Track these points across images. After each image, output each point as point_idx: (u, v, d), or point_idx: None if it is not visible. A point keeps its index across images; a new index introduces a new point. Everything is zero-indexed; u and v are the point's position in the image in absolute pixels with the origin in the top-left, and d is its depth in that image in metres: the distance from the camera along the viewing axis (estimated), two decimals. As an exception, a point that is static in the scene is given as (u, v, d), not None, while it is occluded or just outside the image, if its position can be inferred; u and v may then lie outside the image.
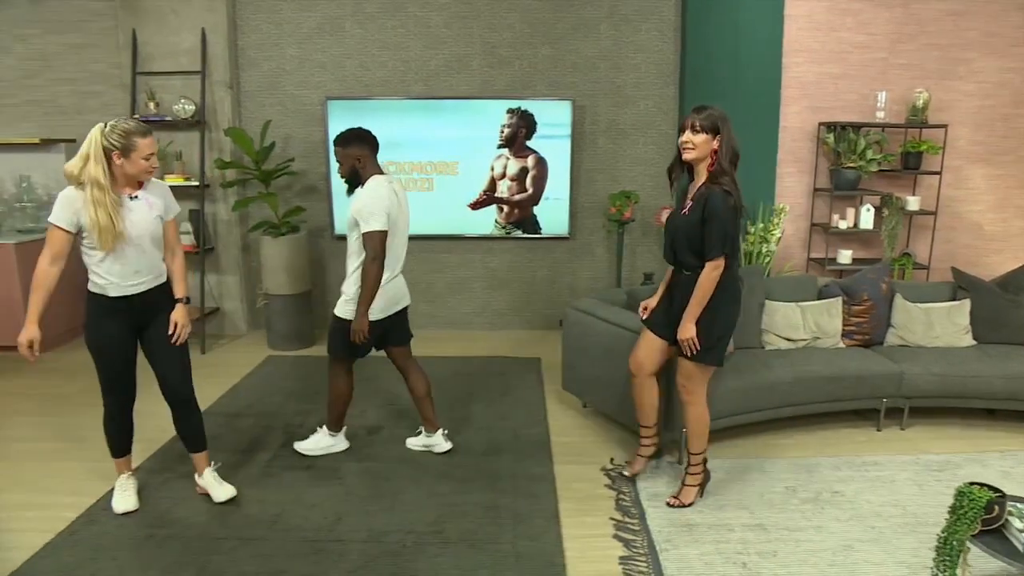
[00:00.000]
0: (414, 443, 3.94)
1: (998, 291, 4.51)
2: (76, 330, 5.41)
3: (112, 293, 2.99)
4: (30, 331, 2.90)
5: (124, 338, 3.08)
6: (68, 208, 2.88)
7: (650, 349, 3.40)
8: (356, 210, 3.40)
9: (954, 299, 4.56)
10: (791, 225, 6.09)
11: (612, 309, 4.11)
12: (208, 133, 5.76)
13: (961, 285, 4.62)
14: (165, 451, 3.85)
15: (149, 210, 3.04)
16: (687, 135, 3.05)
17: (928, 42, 5.87)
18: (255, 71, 5.87)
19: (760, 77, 5.73)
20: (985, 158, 6.08)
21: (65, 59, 5.79)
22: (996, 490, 2.47)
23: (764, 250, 5.60)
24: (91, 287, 3.01)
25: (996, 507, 2.42)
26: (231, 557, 2.92)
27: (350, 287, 3.51)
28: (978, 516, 2.41)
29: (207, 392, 4.63)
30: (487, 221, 6.08)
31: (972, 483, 2.51)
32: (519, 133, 5.89)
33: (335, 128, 5.23)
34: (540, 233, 6.11)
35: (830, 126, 5.84)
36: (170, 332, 3.14)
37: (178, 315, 3.17)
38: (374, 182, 3.46)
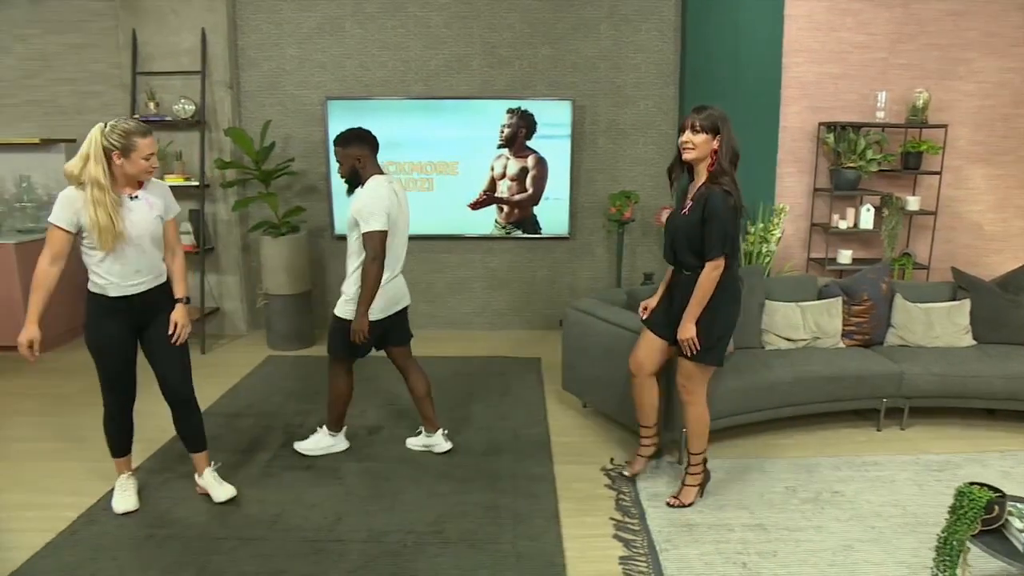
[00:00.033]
0: (414, 443, 3.94)
1: (998, 291, 4.51)
2: (76, 330, 5.41)
3: (112, 293, 2.99)
4: (30, 331, 2.90)
5: (124, 338, 3.08)
6: (68, 208, 2.88)
7: (650, 349, 3.41)
8: (356, 210, 3.40)
9: (954, 299, 4.56)
10: (791, 225, 6.10)
11: (612, 309, 4.11)
12: (208, 133, 5.76)
13: (961, 285, 4.62)
14: (165, 451, 3.85)
15: (149, 210, 3.04)
16: (687, 135, 3.05)
17: (928, 42, 5.88)
18: (255, 71, 5.88)
19: (760, 77, 5.73)
20: (985, 158, 6.08)
21: (65, 59, 5.79)
22: (996, 490, 2.47)
23: (764, 250, 5.60)
24: (91, 287, 3.01)
25: (996, 507, 2.42)
26: (231, 557, 2.93)
27: (350, 287, 3.51)
28: (978, 516, 2.41)
29: (207, 392, 4.63)
30: (487, 221, 6.08)
31: (972, 483, 2.51)
32: (519, 133, 5.89)
33: (335, 128, 5.23)
34: (540, 233, 6.11)
35: (830, 126, 5.84)
36: (170, 332, 3.14)
37: (178, 315, 3.17)
38: (374, 182, 3.46)
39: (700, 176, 3.12)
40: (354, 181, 3.54)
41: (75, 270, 3.05)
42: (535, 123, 5.88)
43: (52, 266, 2.92)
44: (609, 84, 5.96)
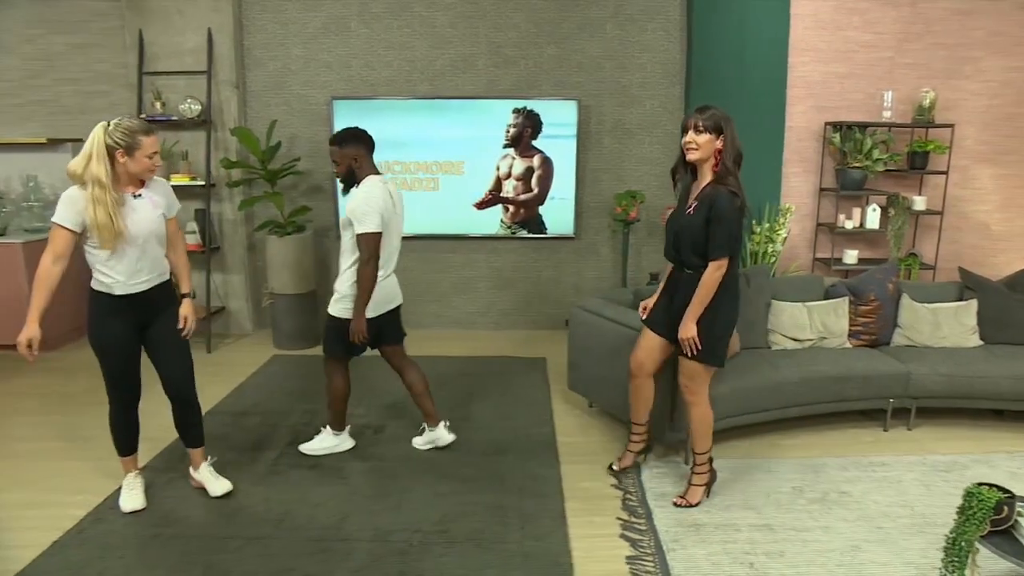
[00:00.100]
0: (420, 442, 3.94)
1: (1005, 291, 4.50)
2: (80, 329, 5.42)
3: (118, 291, 3.00)
4: (30, 330, 2.89)
5: (128, 337, 3.09)
6: (72, 208, 2.88)
7: (650, 348, 3.40)
8: (350, 210, 3.43)
9: (961, 299, 4.54)
10: (797, 225, 6.08)
11: (618, 309, 4.10)
12: (214, 133, 5.77)
13: (968, 285, 4.60)
14: (171, 450, 3.85)
15: (153, 208, 3.05)
16: (690, 135, 3.04)
17: (935, 41, 5.86)
18: (261, 71, 5.88)
19: (766, 76, 5.73)
20: (992, 158, 6.06)
21: (71, 59, 5.81)
22: (1005, 491, 2.46)
23: (770, 250, 5.60)
24: (95, 285, 3.02)
25: (1005, 508, 2.41)
26: (237, 556, 2.93)
27: (343, 285, 3.54)
28: (987, 517, 2.40)
29: (213, 391, 4.65)
30: (492, 221, 6.08)
31: (981, 484, 2.50)
32: (524, 133, 5.89)
33: (341, 128, 5.23)
34: (545, 233, 6.11)
35: (836, 126, 5.83)
36: (180, 327, 3.18)
37: (186, 309, 3.22)
38: (369, 182, 3.49)
39: (704, 176, 3.11)
40: (350, 181, 3.55)
41: (79, 270, 3.05)
42: (541, 123, 5.87)
43: (54, 265, 2.92)
44: (615, 84, 5.95)
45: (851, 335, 4.38)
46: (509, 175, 5.98)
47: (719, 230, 3.01)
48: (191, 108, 5.61)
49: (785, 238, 5.66)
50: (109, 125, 2.88)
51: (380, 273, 3.50)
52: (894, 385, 4.09)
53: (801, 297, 4.39)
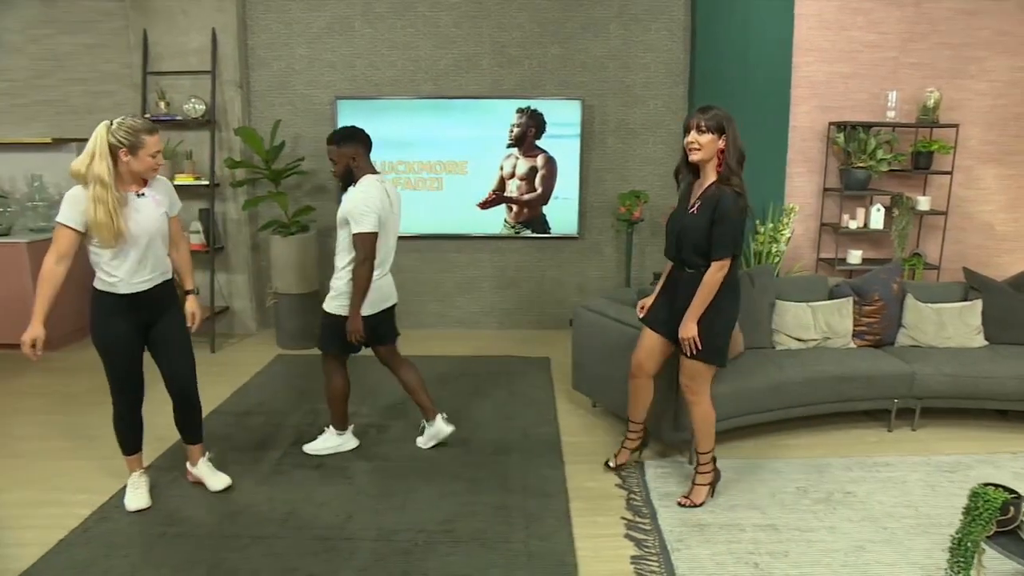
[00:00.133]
0: (423, 441, 3.94)
1: (1010, 291, 4.49)
2: (84, 329, 5.38)
3: (122, 290, 3.00)
4: (35, 330, 2.90)
5: (132, 336, 3.10)
6: (75, 207, 2.88)
7: (650, 348, 3.40)
8: (347, 210, 3.45)
9: (966, 299, 4.54)
10: (800, 225, 6.08)
11: (622, 309, 4.10)
12: (218, 132, 5.78)
13: (973, 285, 4.59)
14: (175, 450, 3.85)
15: (156, 207, 3.06)
16: (692, 135, 3.04)
17: (939, 41, 5.85)
18: (265, 71, 5.89)
19: (770, 76, 5.73)
20: (997, 158, 6.05)
21: (77, 59, 5.82)
22: (1011, 491, 2.46)
23: (774, 250, 5.59)
24: (99, 285, 3.02)
25: (1012, 508, 2.41)
26: (243, 555, 2.93)
27: (339, 282, 3.56)
28: (993, 517, 2.39)
29: (218, 390, 4.65)
30: (496, 221, 6.08)
31: (986, 484, 2.49)
32: (528, 132, 5.89)
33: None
34: (549, 233, 6.11)
35: (840, 126, 5.82)
36: (188, 323, 3.25)
37: (192, 305, 3.29)
38: (367, 182, 3.50)
39: (708, 176, 3.11)
40: (348, 180, 3.57)
41: (84, 269, 3.06)
42: (544, 122, 5.87)
43: (58, 265, 2.92)
44: (618, 84, 5.95)
45: (855, 335, 4.38)
46: (513, 175, 5.98)
47: (723, 230, 3.01)
48: (195, 108, 5.62)
49: (789, 238, 5.65)
50: (112, 124, 2.89)
51: (376, 272, 3.52)
52: (898, 385, 4.09)
53: (805, 297, 4.39)
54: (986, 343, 4.42)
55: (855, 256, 5.91)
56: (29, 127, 5.89)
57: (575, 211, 6.05)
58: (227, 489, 3.43)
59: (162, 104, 5.62)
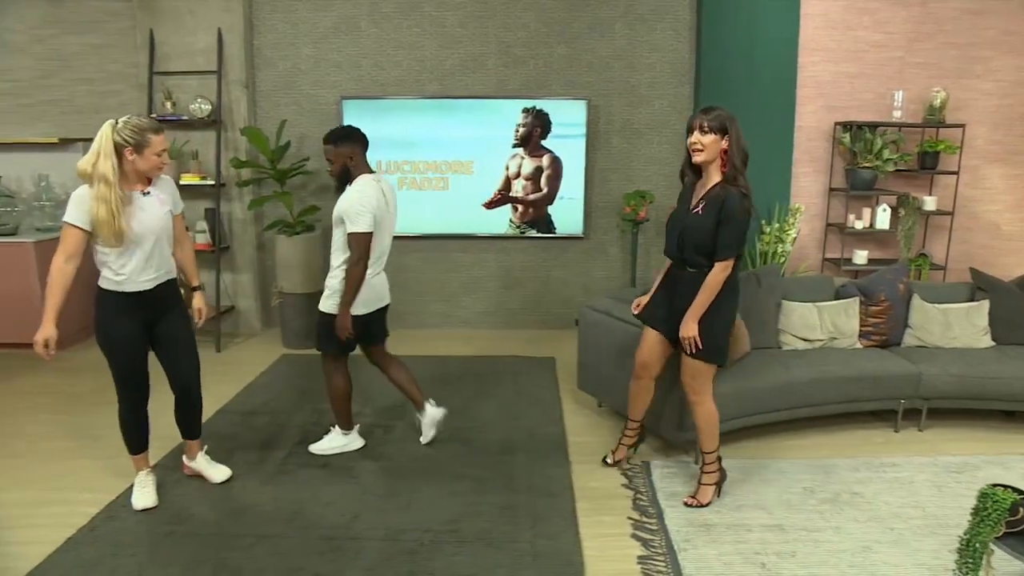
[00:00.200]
0: (424, 436, 3.95)
1: (1017, 291, 4.48)
2: (88, 330, 5.42)
3: (128, 289, 3.01)
4: (47, 330, 2.91)
5: (137, 335, 3.11)
6: (82, 206, 2.89)
7: (652, 347, 3.40)
8: (343, 209, 3.46)
9: (972, 300, 4.52)
10: (806, 225, 6.06)
11: (627, 309, 4.07)
12: (224, 132, 5.78)
13: (980, 286, 4.58)
14: (181, 449, 3.85)
15: (160, 206, 3.08)
16: (695, 136, 3.04)
17: (946, 41, 5.83)
18: (271, 71, 5.90)
19: (776, 76, 5.71)
20: (1003, 158, 6.03)
21: (83, 59, 5.84)
22: (1020, 492, 2.45)
23: (779, 250, 5.58)
24: (104, 284, 3.03)
25: (1021, 509, 2.40)
26: (249, 554, 2.94)
27: (334, 281, 3.56)
28: (1002, 518, 2.39)
29: (223, 390, 4.66)
30: (502, 220, 6.08)
31: (995, 485, 2.48)
32: (534, 132, 5.89)
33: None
34: (554, 233, 6.11)
35: (846, 125, 5.81)
36: (196, 320, 3.30)
37: (199, 302, 3.34)
38: (363, 181, 3.51)
39: (711, 176, 3.10)
40: (344, 179, 3.58)
41: (90, 269, 3.07)
42: (550, 122, 5.87)
43: (67, 264, 2.93)
44: (624, 83, 5.95)
45: (862, 335, 4.37)
46: (518, 175, 5.98)
47: (729, 231, 3.01)
48: (201, 108, 5.63)
49: (795, 238, 5.64)
50: (117, 123, 2.91)
51: (370, 271, 3.54)
52: (905, 386, 4.08)
53: (811, 297, 4.38)
54: (993, 344, 4.41)
55: (861, 256, 5.89)
56: (35, 127, 5.91)
57: (580, 211, 6.05)
58: (229, 480, 3.48)
59: (168, 104, 5.64)
